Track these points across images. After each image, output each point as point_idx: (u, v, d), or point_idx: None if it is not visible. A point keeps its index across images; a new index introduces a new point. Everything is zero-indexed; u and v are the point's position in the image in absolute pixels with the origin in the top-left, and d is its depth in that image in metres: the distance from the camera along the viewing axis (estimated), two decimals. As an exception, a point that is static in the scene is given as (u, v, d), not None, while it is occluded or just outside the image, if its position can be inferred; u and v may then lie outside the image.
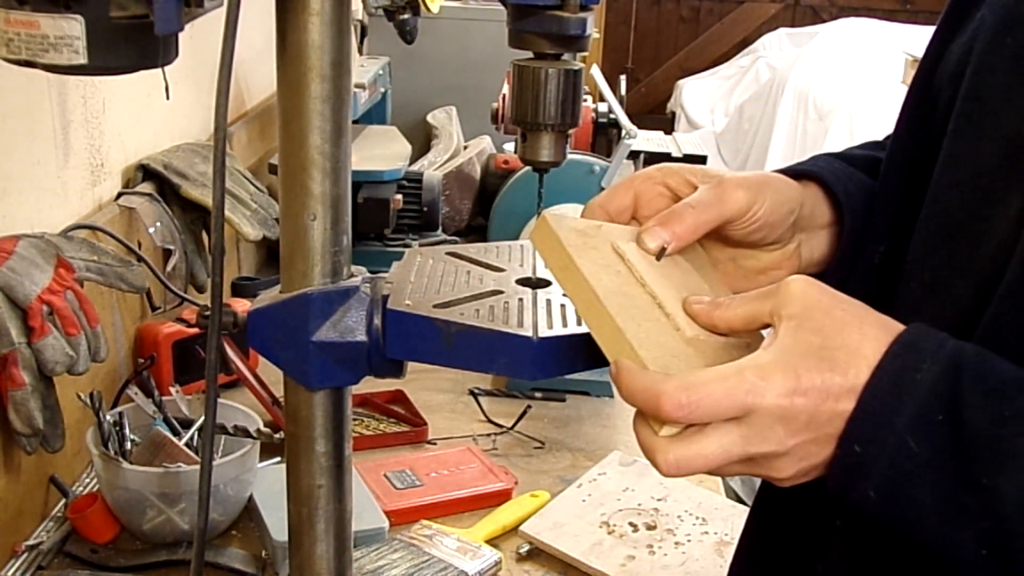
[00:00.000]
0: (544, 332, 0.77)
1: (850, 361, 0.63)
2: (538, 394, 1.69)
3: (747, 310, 0.70)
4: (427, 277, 0.86)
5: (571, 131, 0.88)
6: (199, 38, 1.16)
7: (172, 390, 1.40)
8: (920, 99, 0.82)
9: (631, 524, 1.33)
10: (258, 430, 1.30)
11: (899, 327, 0.65)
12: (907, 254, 0.77)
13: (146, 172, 1.60)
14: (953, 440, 0.61)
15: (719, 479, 1.50)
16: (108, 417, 1.29)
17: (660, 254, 0.79)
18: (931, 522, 0.62)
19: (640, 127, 2.08)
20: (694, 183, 0.82)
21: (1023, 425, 0.60)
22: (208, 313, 0.80)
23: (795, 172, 0.87)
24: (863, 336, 0.64)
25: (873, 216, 0.85)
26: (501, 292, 0.84)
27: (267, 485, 1.30)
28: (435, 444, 1.54)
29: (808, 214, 0.85)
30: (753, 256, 0.85)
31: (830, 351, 0.64)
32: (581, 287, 0.74)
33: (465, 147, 2.57)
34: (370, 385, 1.57)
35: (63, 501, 1.30)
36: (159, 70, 0.77)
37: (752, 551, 0.96)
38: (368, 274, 0.85)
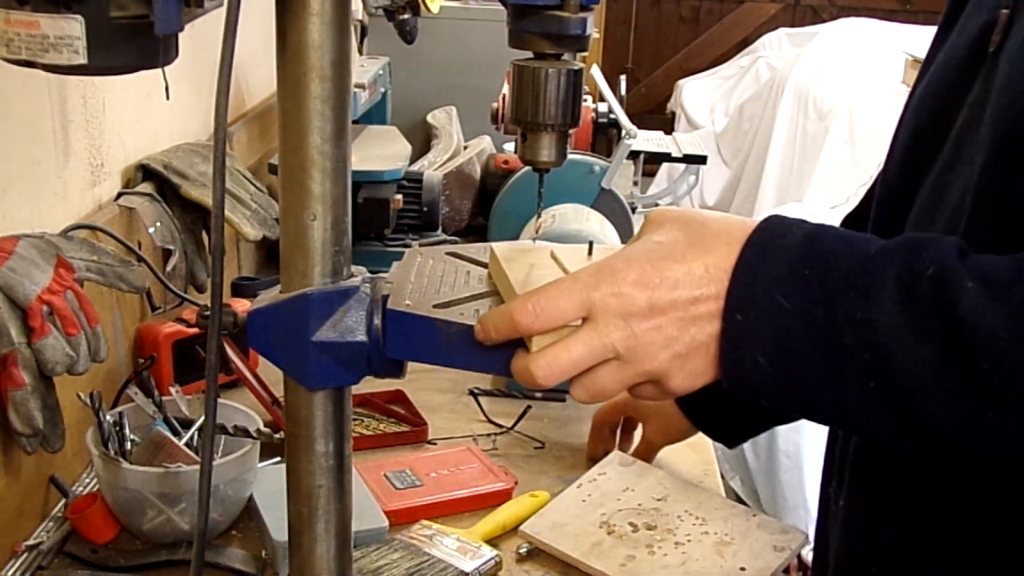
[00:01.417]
0: None
1: (686, 253, 0.70)
2: (538, 394, 1.68)
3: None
4: (427, 277, 0.86)
5: (571, 131, 0.88)
6: (199, 38, 1.16)
7: (172, 390, 1.40)
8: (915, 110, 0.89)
9: (631, 524, 1.33)
10: (258, 430, 1.30)
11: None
12: None
13: (146, 172, 1.60)
14: (822, 286, 0.66)
15: (719, 479, 1.50)
16: (108, 417, 1.29)
17: (590, 248, 0.86)
18: (817, 372, 0.66)
19: (640, 127, 2.08)
20: None
21: (888, 259, 0.65)
22: (208, 313, 0.80)
23: None
24: (704, 233, 0.71)
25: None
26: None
27: (267, 485, 1.30)
28: (435, 444, 1.54)
29: None
30: None
31: (668, 247, 0.70)
32: (507, 287, 0.80)
33: (465, 147, 2.57)
34: (370, 385, 1.57)
35: (63, 501, 1.30)
36: (159, 70, 0.77)
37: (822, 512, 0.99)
38: (368, 274, 0.85)
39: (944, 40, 0.86)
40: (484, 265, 0.91)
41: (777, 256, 0.67)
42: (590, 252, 0.86)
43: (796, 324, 0.66)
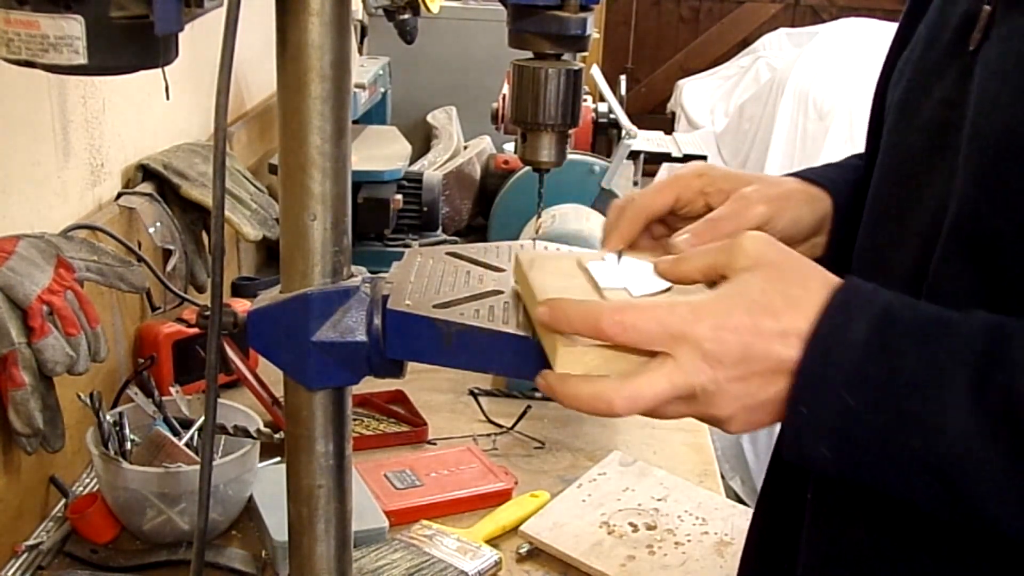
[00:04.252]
0: None
1: (786, 308, 0.67)
2: (538, 394, 1.68)
3: (705, 262, 0.73)
4: (427, 277, 0.86)
5: (571, 131, 0.88)
6: (199, 38, 1.16)
7: (172, 390, 1.40)
8: (876, 108, 0.90)
9: (631, 524, 1.33)
10: (258, 430, 1.30)
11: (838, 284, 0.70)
12: (855, 239, 0.84)
13: (146, 172, 1.60)
14: (889, 387, 0.65)
15: (719, 479, 1.50)
16: (108, 417, 1.29)
17: (619, 256, 0.84)
18: (883, 467, 0.66)
19: (640, 127, 2.08)
20: (727, 191, 0.87)
21: (957, 364, 0.64)
22: (208, 313, 0.80)
23: (814, 180, 0.92)
24: (806, 290, 0.68)
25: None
26: (501, 292, 0.84)
27: (267, 485, 1.30)
28: (435, 444, 1.54)
29: (822, 224, 0.91)
30: None
31: (768, 297, 0.68)
32: (529, 295, 0.78)
33: (465, 147, 2.57)
34: (370, 385, 1.57)
35: (63, 501, 1.30)
36: (159, 70, 0.77)
37: (751, 547, 1.00)
38: (368, 274, 0.85)
39: (918, 14, 0.85)
40: (484, 265, 0.91)
41: (843, 351, 0.66)
42: (619, 258, 0.84)
43: (861, 423, 0.65)
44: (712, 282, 0.73)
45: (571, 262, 0.84)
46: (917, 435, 0.64)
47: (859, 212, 0.87)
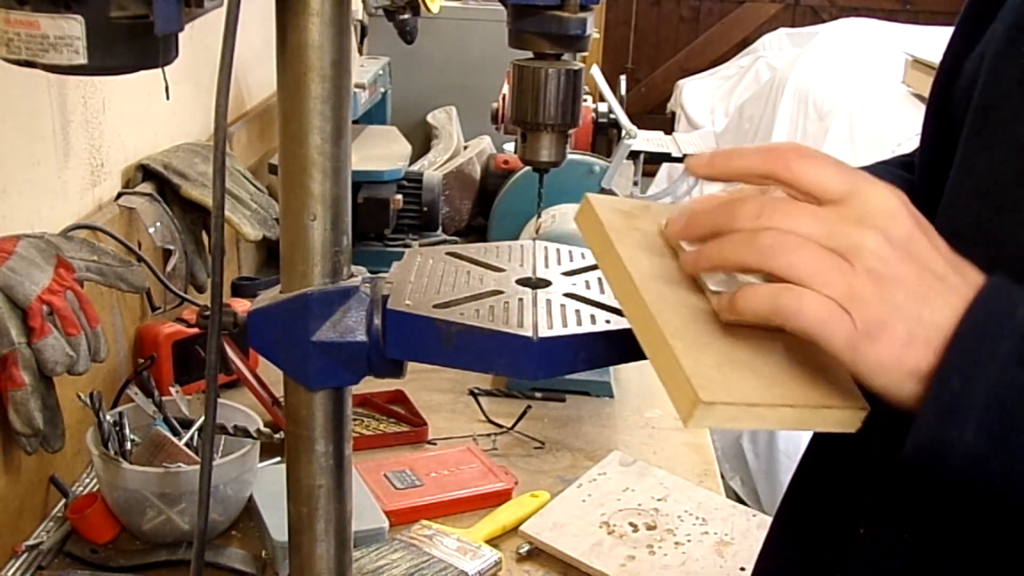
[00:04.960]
0: (544, 332, 0.77)
1: (951, 259, 0.63)
2: (538, 394, 1.69)
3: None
4: (427, 277, 0.86)
5: (571, 131, 0.88)
6: (199, 38, 1.16)
7: (172, 390, 1.40)
8: (938, 113, 0.83)
9: (631, 524, 1.33)
10: (258, 430, 1.30)
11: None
12: None
13: (146, 172, 1.60)
14: None
15: (719, 479, 1.50)
16: (108, 417, 1.29)
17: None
18: None
19: (640, 127, 2.08)
20: None
21: None
22: (208, 313, 0.81)
23: None
24: (960, 256, 0.64)
25: None
26: (501, 292, 0.84)
27: (267, 485, 1.30)
28: (435, 444, 1.54)
29: None
30: None
31: (935, 244, 0.63)
32: (619, 272, 0.72)
33: (465, 147, 2.57)
34: (370, 385, 1.57)
35: (63, 501, 1.30)
36: (159, 70, 0.77)
37: (772, 565, 0.95)
38: (368, 274, 0.86)
39: (987, 11, 0.78)
40: (484, 265, 0.91)
41: (1011, 326, 0.59)
42: None
43: None
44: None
45: (653, 226, 0.76)
46: None
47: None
